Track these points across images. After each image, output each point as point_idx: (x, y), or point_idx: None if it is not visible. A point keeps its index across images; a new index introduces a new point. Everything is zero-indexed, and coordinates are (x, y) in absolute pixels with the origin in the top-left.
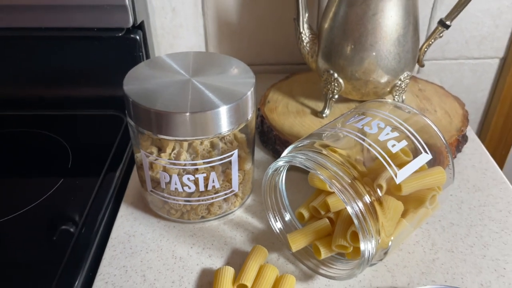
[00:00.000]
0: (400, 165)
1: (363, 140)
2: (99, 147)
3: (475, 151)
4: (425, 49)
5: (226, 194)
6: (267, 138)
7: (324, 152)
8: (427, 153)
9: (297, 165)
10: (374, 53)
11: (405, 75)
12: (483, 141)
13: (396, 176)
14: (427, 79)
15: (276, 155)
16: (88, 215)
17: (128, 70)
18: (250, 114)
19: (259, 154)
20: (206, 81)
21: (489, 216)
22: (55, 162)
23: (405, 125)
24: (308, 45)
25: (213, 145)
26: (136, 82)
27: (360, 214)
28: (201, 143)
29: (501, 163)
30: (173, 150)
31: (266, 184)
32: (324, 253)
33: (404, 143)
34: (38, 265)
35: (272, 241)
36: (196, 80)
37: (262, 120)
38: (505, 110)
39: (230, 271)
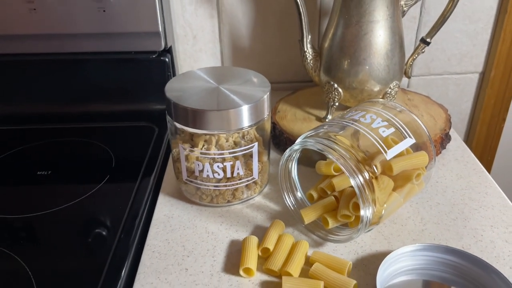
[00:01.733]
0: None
1: (360, 128)
2: (137, 151)
3: (458, 148)
4: (411, 63)
5: (248, 181)
6: (279, 140)
7: (332, 137)
8: (411, 138)
9: (309, 147)
10: (367, 67)
11: (394, 84)
12: (469, 147)
13: (386, 154)
14: (415, 91)
15: None
16: (134, 202)
17: (159, 88)
18: (266, 114)
19: (273, 154)
20: (230, 87)
21: (469, 197)
22: (101, 163)
23: (395, 117)
24: (311, 61)
25: (236, 143)
26: (175, 89)
27: (361, 186)
28: (227, 140)
29: (488, 168)
30: (203, 146)
31: (282, 168)
32: (331, 223)
33: (392, 130)
34: (98, 238)
35: (287, 218)
36: (223, 87)
37: (274, 126)
38: (488, 118)
39: (254, 239)
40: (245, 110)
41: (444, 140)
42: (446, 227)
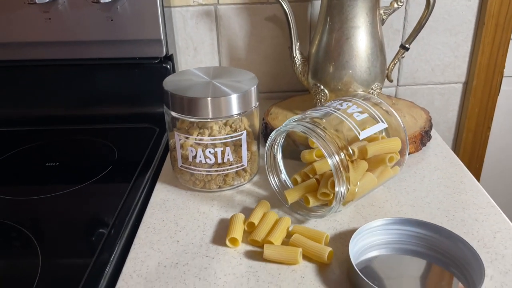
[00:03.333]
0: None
1: (336, 112)
2: (138, 147)
3: (438, 146)
4: (392, 67)
5: (238, 167)
6: None
7: (317, 123)
8: (383, 123)
9: (294, 129)
10: (350, 70)
11: (376, 85)
12: (457, 155)
13: (359, 135)
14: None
15: None
16: (132, 187)
17: (161, 93)
18: (253, 105)
19: (264, 151)
20: (222, 81)
21: (445, 184)
22: (104, 156)
23: (370, 107)
24: (300, 66)
25: (227, 135)
26: (173, 83)
27: (336, 164)
28: (219, 132)
29: (476, 176)
30: (197, 135)
31: (268, 149)
32: (312, 202)
33: (365, 115)
34: (99, 214)
35: (273, 201)
36: (215, 81)
37: (266, 126)
38: (473, 127)
39: (241, 216)
40: (234, 98)
41: (423, 137)
42: (421, 209)
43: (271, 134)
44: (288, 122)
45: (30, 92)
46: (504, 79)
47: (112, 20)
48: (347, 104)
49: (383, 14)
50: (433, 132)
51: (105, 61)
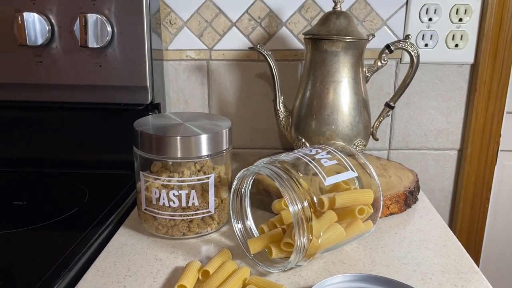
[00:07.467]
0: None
1: (303, 157)
2: (111, 192)
3: (424, 208)
4: (377, 125)
5: (203, 213)
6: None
7: (280, 165)
8: (353, 171)
9: (259, 171)
10: (333, 126)
11: (358, 141)
12: (455, 228)
13: (324, 180)
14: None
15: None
16: (92, 228)
17: None
18: (225, 148)
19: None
20: (195, 124)
21: (426, 247)
22: (74, 198)
23: (342, 155)
24: (283, 119)
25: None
26: (144, 124)
27: (297, 212)
28: (188, 170)
29: (477, 250)
30: (165, 179)
31: (233, 198)
32: (275, 253)
33: (334, 161)
34: (48, 251)
35: (238, 253)
36: (188, 123)
37: None
38: (470, 197)
39: (197, 263)
40: (204, 138)
41: (408, 197)
42: (396, 270)
43: (237, 175)
44: (256, 164)
45: (12, 134)
46: (507, 153)
47: (100, 66)
48: (316, 150)
49: (366, 71)
50: (421, 195)
51: (90, 105)
